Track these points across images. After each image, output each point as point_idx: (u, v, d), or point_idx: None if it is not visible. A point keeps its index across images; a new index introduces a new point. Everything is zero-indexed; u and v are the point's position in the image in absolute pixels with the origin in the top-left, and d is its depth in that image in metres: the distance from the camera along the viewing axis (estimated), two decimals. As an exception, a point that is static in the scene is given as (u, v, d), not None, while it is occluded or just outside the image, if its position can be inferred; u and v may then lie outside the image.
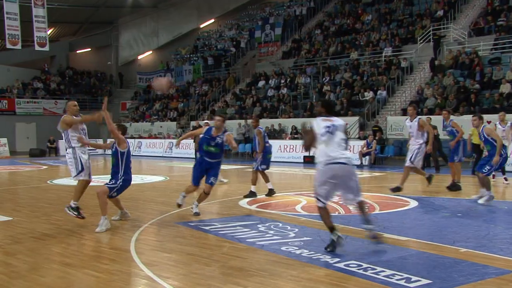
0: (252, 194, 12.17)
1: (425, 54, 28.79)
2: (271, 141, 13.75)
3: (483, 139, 11.11)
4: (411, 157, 12.41)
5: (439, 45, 28.51)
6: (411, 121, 12.53)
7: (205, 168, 9.71)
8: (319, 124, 6.87)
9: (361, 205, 7.02)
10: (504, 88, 22.44)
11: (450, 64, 26.32)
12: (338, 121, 6.98)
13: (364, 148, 22.14)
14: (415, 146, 12.36)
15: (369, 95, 27.10)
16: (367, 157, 22.14)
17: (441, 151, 19.64)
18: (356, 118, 25.47)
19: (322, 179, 6.78)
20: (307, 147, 7.11)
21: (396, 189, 12.28)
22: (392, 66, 28.84)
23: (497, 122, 15.58)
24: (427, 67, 27.88)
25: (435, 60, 27.45)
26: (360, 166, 21.58)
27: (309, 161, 23.04)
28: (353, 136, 24.91)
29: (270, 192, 12.31)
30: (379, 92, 27.13)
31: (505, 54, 25.41)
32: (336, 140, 6.79)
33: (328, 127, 6.81)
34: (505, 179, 15.02)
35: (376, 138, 22.58)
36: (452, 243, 7.18)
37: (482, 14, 29.70)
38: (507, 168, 16.10)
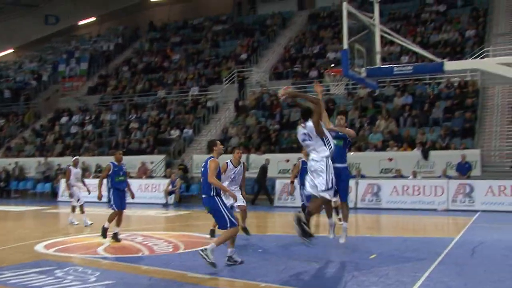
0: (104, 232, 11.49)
1: (230, 95, 29.80)
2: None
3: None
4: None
5: (243, 86, 29.81)
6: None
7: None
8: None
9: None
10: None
11: (253, 105, 27.61)
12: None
13: (169, 187, 22.10)
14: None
15: (175, 133, 27.26)
16: (172, 195, 22.11)
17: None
18: (163, 156, 25.43)
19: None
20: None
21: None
22: (198, 105, 29.44)
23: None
24: (231, 107, 28.84)
25: (239, 100, 28.59)
26: (165, 205, 21.49)
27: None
28: (158, 174, 24.82)
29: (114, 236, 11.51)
30: (185, 130, 27.43)
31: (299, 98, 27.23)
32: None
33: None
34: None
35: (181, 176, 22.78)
36: (253, 279, 7.34)
37: (280, 60, 31.86)
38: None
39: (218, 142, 8.66)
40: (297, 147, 21.61)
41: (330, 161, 8.61)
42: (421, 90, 24.30)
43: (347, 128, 9.84)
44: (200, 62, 34.50)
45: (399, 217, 16.65)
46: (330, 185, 8.53)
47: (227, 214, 8.17)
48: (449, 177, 19.20)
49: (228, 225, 8.15)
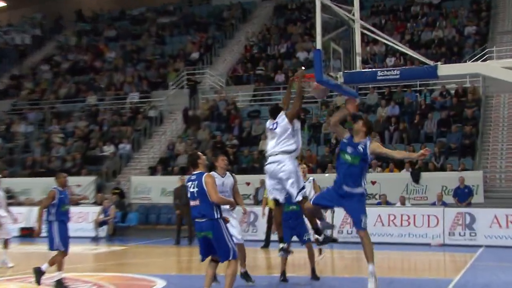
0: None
1: (178, 103, 29.70)
2: None
3: None
4: None
5: (194, 92, 29.79)
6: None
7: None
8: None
9: None
10: (264, 145, 23.73)
11: (206, 115, 27.59)
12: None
13: (101, 216, 21.82)
14: None
15: (109, 149, 27.06)
16: (104, 227, 21.84)
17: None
18: (93, 178, 25.14)
19: None
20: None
21: None
22: (138, 115, 29.28)
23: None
24: (179, 118, 28.74)
25: (189, 109, 28.51)
26: (95, 239, 21.20)
27: (26, 234, 21.61)
28: (89, 200, 24.45)
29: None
30: (121, 146, 27.26)
31: (264, 107, 27.52)
32: None
33: None
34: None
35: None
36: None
37: (240, 61, 32.05)
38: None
39: (201, 154, 8.89)
40: (260, 167, 21.69)
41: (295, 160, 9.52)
42: (411, 98, 24.71)
43: (375, 142, 9.49)
44: (141, 62, 34.40)
45: (384, 253, 16.21)
46: (300, 187, 9.44)
47: (231, 242, 8.40)
48: (445, 204, 19.46)
49: (231, 255, 8.35)
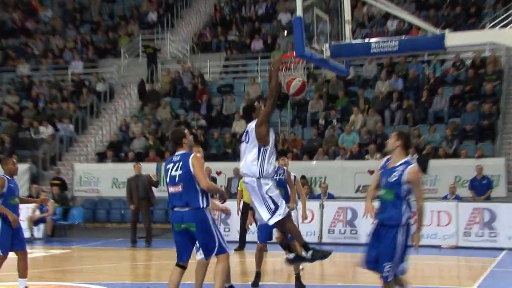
0: None
1: (132, 74, 29.63)
2: None
3: None
4: None
5: (152, 62, 29.60)
6: None
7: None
8: None
9: None
10: (238, 127, 23.89)
11: (166, 90, 27.48)
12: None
13: (36, 212, 21.58)
14: None
15: (46, 131, 26.82)
16: (41, 225, 21.63)
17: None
18: (26, 166, 24.82)
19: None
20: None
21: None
22: (82, 89, 29.02)
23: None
24: (134, 93, 28.68)
25: (146, 83, 28.37)
26: (30, 241, 20.90)
27: None
28: (21, 193, 24.12)
29: None
30: (62, 126, 27.08)
31: (238, 80, 27.28)
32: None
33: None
34: None
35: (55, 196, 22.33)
36: None
37: (208, 24, 31.93)
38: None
39: (187, 132, 9.08)
40: (233, 153, 21.58)
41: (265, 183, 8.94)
42: (417, 70, 24.62)
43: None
44: (86, 23, 34.13)
45: None
46: (273, 208, 8.95)
47: (219, 236, 8.44)
48: (459, 199, 19.43)
49: (216, 249, 8.40)
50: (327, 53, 9.69)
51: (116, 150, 24.93)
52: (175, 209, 8.44)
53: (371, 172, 20.26)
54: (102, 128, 27.55)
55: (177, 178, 8.39)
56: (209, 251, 8.48)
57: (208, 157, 22.51)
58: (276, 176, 10.84)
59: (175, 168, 8.43)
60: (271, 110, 8.90)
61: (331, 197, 20.34)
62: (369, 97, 23.87)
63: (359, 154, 21.62)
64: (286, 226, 9.23)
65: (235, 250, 17.50)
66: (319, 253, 9.01)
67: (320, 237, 19.22)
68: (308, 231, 18.39)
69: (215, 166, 21.53)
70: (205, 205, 8.36)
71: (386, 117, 22.97)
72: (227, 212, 10.45)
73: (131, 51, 30.80)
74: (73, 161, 25.82)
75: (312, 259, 9.09)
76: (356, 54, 11.34)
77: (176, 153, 8.61)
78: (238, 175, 15.40)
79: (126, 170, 21.38)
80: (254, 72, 27.88)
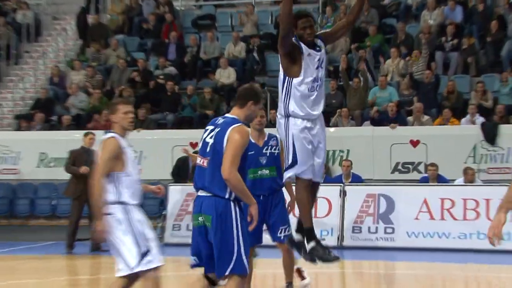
0: None
1: (68, 1, 29.87)
2: None
3: None
4: None
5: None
6: None
7: None
8: None
9: None
10: (224, 77, 23.62)
11: (118, 24, 27.71)
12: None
13: None
14: None
15: None
16: None
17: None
18: None
19: None
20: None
21: None
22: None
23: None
24: (71, 27, 28.82)
25: (87, 13, 28.39)
26: None
27: None
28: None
29: None
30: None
31: (222, 10, 27.54)
32: None
33: None
34: None
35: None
36: None
37: None
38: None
39: (261, 93, 9.13)
40: (214, 115, 20.98)
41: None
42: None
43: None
44: None
45: (435, 267, 16.73)
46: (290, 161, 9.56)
47: (240, 243, 8.28)
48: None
49: (233, 263, 8.20)
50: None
51: (45, 112, 24.64)
52: (198, 192, 8.48)
53: (415, 144, 20.43)
54: (23, 79, 27.61)
55: (208, 148, 8.45)
56: (223, 263, 8.19)
57: (178, 121, 22.28)
58: (267, 149, 11.43)
59: (211, 135, 8.46)
60: (281, 35, 9.23)
61: (356, 179, 20.14)
62: (412, 33, 23.80)
63: (398, 117, 21.34)
64: (300, 194, 9.58)
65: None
66: (320, 252, 9.26)
67: (341, 238, 19.00)
68: (322, 229, 18.22)
69: (190, 134, 21.76)
70: (232, 196, 8.22)
71: (437, 60, 23.01)
72: (159, 193, 10.29)
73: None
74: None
75: (310, 256, 9.35)
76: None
77: (226, 115, 8.64)
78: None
79: (60, 141, 21.55)
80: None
